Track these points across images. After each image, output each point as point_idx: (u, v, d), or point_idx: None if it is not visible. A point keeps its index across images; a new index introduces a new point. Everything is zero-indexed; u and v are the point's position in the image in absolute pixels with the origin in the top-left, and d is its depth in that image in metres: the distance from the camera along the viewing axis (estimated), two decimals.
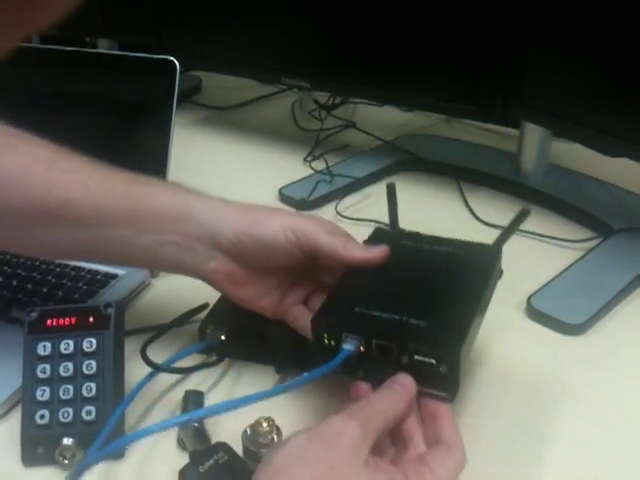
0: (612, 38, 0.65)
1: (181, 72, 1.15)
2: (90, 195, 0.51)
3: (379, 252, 0.50)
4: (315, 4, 0.85)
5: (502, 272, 0.53)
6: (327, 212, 0.81)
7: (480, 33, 0.74)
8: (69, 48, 0.73)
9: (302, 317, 0.52)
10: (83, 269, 0.67)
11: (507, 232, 0.52)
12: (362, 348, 0.44)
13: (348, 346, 0.44)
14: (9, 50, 0.25)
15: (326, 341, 0.45)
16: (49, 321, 0.50)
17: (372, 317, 0.44)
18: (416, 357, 0.43)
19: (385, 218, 0.75)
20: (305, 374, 0.45)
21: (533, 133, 0.82)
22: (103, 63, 0.72)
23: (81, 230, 0.51)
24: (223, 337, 0.57)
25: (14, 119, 0.52)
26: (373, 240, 0.53)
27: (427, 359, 0.43)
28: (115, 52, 0.72)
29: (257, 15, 0.90)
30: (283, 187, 0.84)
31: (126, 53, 0.69)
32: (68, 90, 0.71)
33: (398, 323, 0.43)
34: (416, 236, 0.53)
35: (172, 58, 0.67)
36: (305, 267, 0.52)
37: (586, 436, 0.51)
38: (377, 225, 0.55)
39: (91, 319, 0.50)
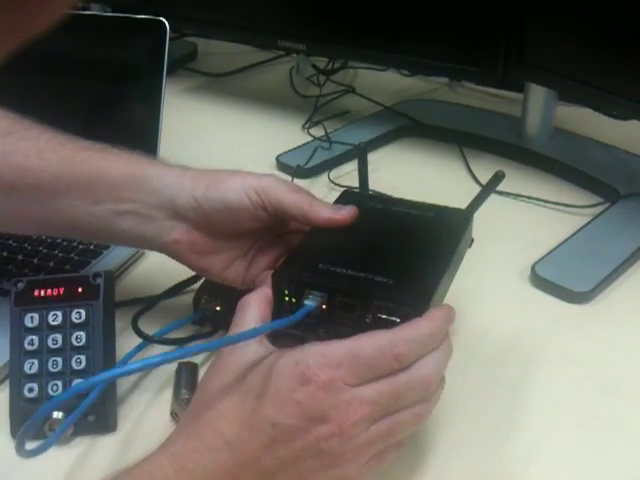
0: None
1: (176, 38, 1.13)
2: (46, 163, 0.48)
3: (347, 213, 0.47)
4: None
5: (473, 240, 0.51)
6: (325, 180, 0.79)
7: None
8: None
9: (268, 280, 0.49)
10: (74, 240, 0.65)
11: (480, 197, 0.49)
12: (324, 306, 0.42)
13: (310, 302, 0.41)
14: (8, 53, 0.24)
15: (287, 298, 0.43)
16: (36, 292, 0.49)
17: (336, 274, 0.42)
18: (380, 316, 0.40)
19: (379, 187, 0.75)
20: (262, 326, 0.41)
21: (537, 96, 0.79)
22: (91, 26, 0.69)
23: (36, 200, 0.49)
24: (218, 308, 0.56)
25: None
26: (339, 202, 0.50)
27: (392, 318, 0.40)
28: (103, 14, 0.69)
29: None
30: (280, 154, 0.82)
31: (114, 14, 0.67)
32: (54, 54, 0.68)
33: (363, 280, 0.41)
34: (386, 199, 0.51)
35: (161, 18, 0.64)
36: (271, 230, 0.50)
37: (589, 404, 0.49)
38: (347, 188, 0.52)
39: (80, 289, 0.49)
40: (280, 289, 0.43)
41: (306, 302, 0.41)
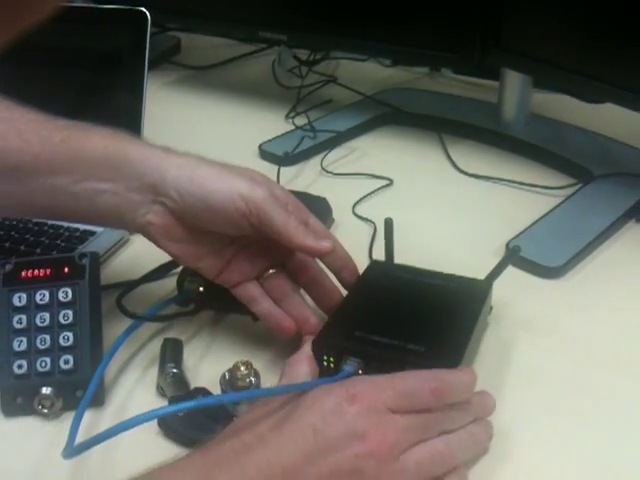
0: None
1: (159, 33, 1.15)
2: (26, 144, 0.48)
3: (326, 246, 0.48)
4: None
5: (492, 308, 0.55)
6: (312, 167, 0.80)
7: None
8: None
9: (259, 298, 0.51)
10: (61, 227, 0.67)
11: (497, 269, 0.53)
12: (361, 371, 0.45)
13: (348, 367, 0.45)
14: (3, 44, 0.24)
15: (326, 363, 0.46)
16: (23, 272, 0.50)
17: (371, 341, 0.46)
18: None
19: (370, 170, 0.77)
20: (310, 381, 0.45)
21: (513, 82, 0.81)
22: (72, 16, 0.70)
23: (17, 181, 0.49)
24: (201, 288, 0.57)
25: None
26: (369, 272, 0.54)
27: None
28: (84, 5, 0.70)
29: None
30: (263, 143, 0.83)
31: (95, 5, 0.68)
32: (36, 45, 0.69)
33: (397, 348, 0.45)
34: (411, 269, 0.54)
35: (143, 9, 0.65)
36: (252, 237, 0.49)
37: (565, 371, 0.51)
38: (373, 260, 0.57)
39: (66, 269, 0.50)
40: (319, 354, 0.46)
41: (345, 367, 0.45)
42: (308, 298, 0.53)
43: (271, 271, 0.51)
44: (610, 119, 0.82)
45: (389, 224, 0.55)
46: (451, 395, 0.42)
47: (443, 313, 0.50)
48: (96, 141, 0.49)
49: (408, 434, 0.40)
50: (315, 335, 0.47)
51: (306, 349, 0.46)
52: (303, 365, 0.45)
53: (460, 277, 0.53)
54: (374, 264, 0.56)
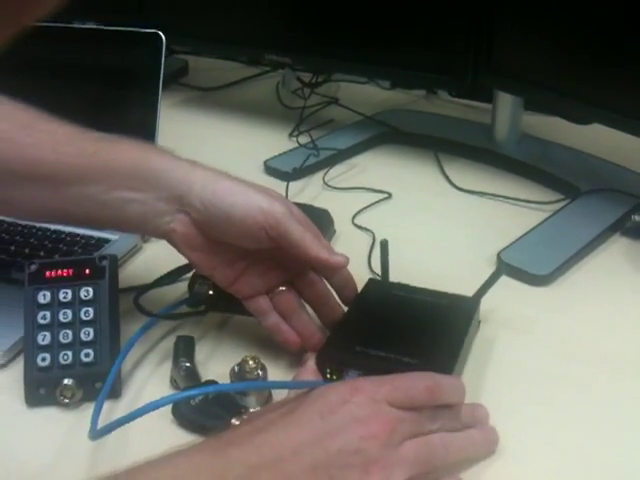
0: (581, 1, 0.69)
1: (168, 55, 1.19)
2: (61, 155, 0.52)
3: (341, 260, 0.52)
4: None
5: (480, 322, 0.59)
6: (315, 182, 0.84)
7: (449, 1, 0.78)
8: (55, 24, 0.75)
9: (268, 312, 0.54)
10: (78, 235, 0.71)
11: (484, 287, 0.58)
12: None
13: (349, 379, 0.49)
14: (6, 39, 0.26)
15: (329, 375, 0.50)
16: (47, 272, 0.54)
17: (370, 355, 0.50)
18: None
19: (370, 185, 0.81)
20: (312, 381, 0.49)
21: (505, 104, 0.86)
22: (89, 38, 0.75)
23: (51, 190, 0.52)
24: (211, 292, 0.61)
25: None
26: (367, 290, 0.58)
27: None
28: (101, 27, 0.75)
29: None
30: (268, 159, 0.88)
31: (112, 27, 0.72)
32: (54, 66, 0.74)
33: (393, 361, 0.50)
34: (405, 287, 0.59)
35: (158, 31, 0.70)
36: (266, 251, 0.53)
37: (551, 369, 0.55)
38: (370, 279, 0.61)
39: (87, 270, 0.54)
40: (323, 368, 0.50)
41: (346, 379, 0.49)
42: (311, 311, 0.57)
43: (281, 288, 0.55)
44: (597, 139, 0.86)
45: (384, 245, 0.59)
46: (443, 394, 0.46)
47: (435, 329, 0.54)
48: (126, 153, 0.53)
49: (405, 425, 0.43)
50: (319, 350, 0.52)
51: (310, 364, 0.50)
52: (309, 377, 0.49)
53: (451, 294, 0.58)
54: (371, 282, 0.60)
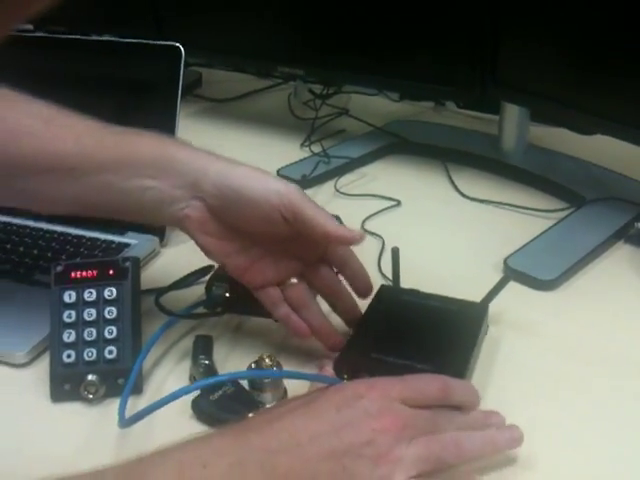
0: (584, 15, 0.71)
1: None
2: (82, 147, 0.53)
3: (358, 235, 0.53)
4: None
5: (488, 326, 0.61)
6: (326, 190, 0.87)
7: (455, 15, 0.81)
8: (72, 36, 0.78)
9: (279, 303, 0.56)
10: (98, 239, 0.73)
11: (492, 293, 0.60)
12: None
13: None
14: (5, 35, 0.27)
15: (345, 381, 0.52)
16: (73, 273, 0.56)
17: (386, 362, 0.53)
18: None
19: (380, 192, 0.83)
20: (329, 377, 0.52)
21: (512, 115, 0.88)
22: (109, 50, 0.77)
23: (71, 180, 0.53)
24: (227, 294, 0.63)
25: None
26: (379, 296, 0.61)
27: None
28: (120, 39, 0.77)
29: (254, 7, 0.96)
30: (281, 168, 0.90)
31: (131, 40, 0.75)
32: (74, 78, 0.76)
33: (408, 367, 0.52)
34: (415, 293, 0.61)
35: (177, 44, 0.73)
36: (279, 239, 0.54)
37: (557, 369, 0.57)
38: (382, 285, 0.63)
39: (111, 271, 0.56)
40: (340, 374, 0.53)
41: None
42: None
43: (293, 280, 0.56)
44: (601, 149, 0.89)
45: (396, 253, 0.62)
46: (455, 394, 0.48)
47: (446, 334, 0.56)
48: (146, 144, 0.54)
49: (417, 422, 0.45)
50: (336, 357, 0.54)
51: (328, 369, 0.53)
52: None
53: (459, 300, 0.60)
54: (383, 289, 0.62)
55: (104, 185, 0.54)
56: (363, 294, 0.59)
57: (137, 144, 0.54)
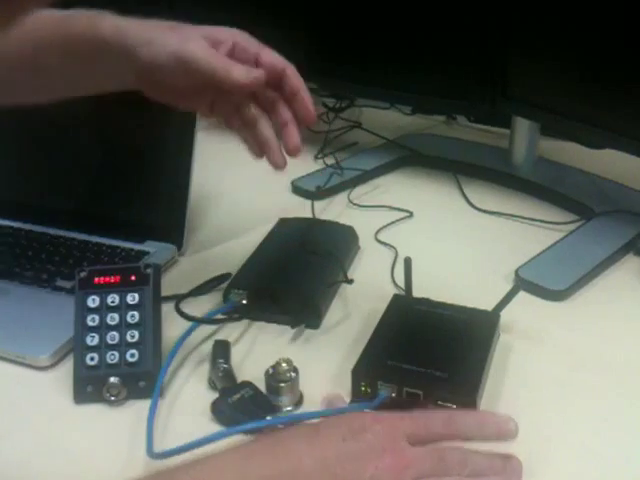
0: (592, 30, 0.73)
1: None
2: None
3: (257, 76, 0.57)
4: (323, 11, 0.94)
5: (500, 334, 0.62)
6: (339, 201, 0.89)
7: (465, 30, 0.83)
8: None
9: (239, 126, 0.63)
10: (118, 247, 0.75)
11: (503, 302, 0.62)
12: (394, 394, 0.53)
13: (384, 392, 0.53)
14: (9, 25, 0.28)
15: (363, 388, 0.54)
16: (96, 279, 0.58)
17: (403, 370, 0.54)
18: (439, 402, 0.53)
19: (392, 204, 0.85)
20: (346, 407, 0.53)
21: (523, 129, 0.90)
22: None
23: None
24: (244, 301, 0.65)
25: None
26: (392, 305, 0.62)
27: (448, 404, 0.52)
28: None
29: (267, 21, 0.98)
30: (295, 179, 0.92)
31: None
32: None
33: (425, 375, 0.53)
34: (428, 302, 0.63)
35: None
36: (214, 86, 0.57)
37: (565, 377, 0.58)
38: (395, 294, 0.65)
39: (133, 277, 0.58)
40: (357, 381, 0.54)
41: (381, 392, 0.53)
42: None
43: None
44: (610, 163, 0.90)
45: (408, 263, 0.63)
46: (460, 428, 0.48)
47: (460, 342, 0.58)
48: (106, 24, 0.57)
49: (421, 463, 0.44)
50: (354, 365, 0.55)
51: (336, 404, 0.54)
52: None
53: (471, 309, 0.61)
54: (396, 298, 0.64)
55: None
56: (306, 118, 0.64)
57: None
